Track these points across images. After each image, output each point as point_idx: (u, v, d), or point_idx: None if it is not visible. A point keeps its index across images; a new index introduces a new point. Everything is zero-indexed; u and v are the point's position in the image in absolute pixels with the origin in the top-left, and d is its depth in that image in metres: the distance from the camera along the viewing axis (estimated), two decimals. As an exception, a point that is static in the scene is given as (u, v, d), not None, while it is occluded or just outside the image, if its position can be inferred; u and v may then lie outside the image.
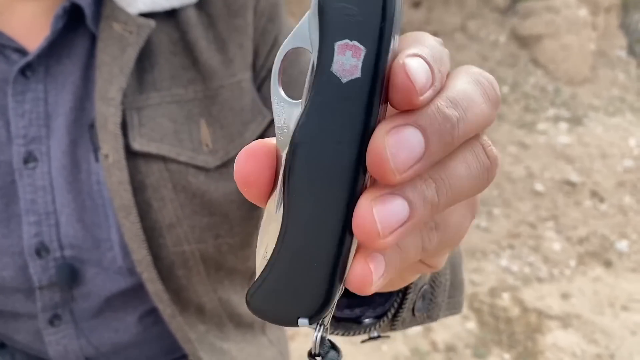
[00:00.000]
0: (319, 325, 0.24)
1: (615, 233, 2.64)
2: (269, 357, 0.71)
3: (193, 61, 0.58)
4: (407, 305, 0.36)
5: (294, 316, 0.23)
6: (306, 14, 0.22)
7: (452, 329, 2.00)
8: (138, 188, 0.55)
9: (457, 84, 0.22)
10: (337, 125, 0.21)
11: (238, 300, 0.68)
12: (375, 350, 1.88)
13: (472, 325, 2.03)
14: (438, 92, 0.21)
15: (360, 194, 0.21)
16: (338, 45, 0.20)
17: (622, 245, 2.56)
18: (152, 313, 0.63)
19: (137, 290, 0.61)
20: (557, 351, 1.95)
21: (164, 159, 0.56)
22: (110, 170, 0.54)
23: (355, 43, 0.20)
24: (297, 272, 0.22)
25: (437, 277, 0.39)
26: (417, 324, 0.38)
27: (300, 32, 0.22)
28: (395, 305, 0.36)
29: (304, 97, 0.22)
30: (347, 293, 0.38)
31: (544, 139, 3.37)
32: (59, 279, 0.58)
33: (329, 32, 0.21)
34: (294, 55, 0.63)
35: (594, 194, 2.90)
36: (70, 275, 0.58)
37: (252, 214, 0.64)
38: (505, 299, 2.18)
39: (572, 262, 2.44)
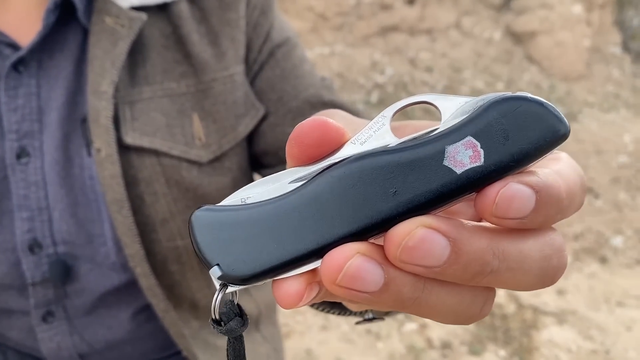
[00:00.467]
0: (221, 286, 0.22)
1: (610, 229, 2.65)
2: (263, 354, 0.71)
3: (185, 55, 0.57)
4: None
5: (215, 261, 0.22)
6: (473, 99, 0.22)
7: (447, 325, 2.00)
8: (131, 182, 0.55)
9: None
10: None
11: (232, 296, 0.68)
12: (370, 348, 1.88)
13: (467, 321, 2.04)
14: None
15: (367, 237, 0.21)
16: (468, 139, 0.21)
17: (617, 241, 2.57)
18: (146, 310, 0.63)
19: (130, 287, 0.60)
20: (553, 347, 1.95)
21: (156, 153, 0.56)
22: (103, 165, 0.53)
23: (480, 149, 0.21)
24: (263, 235, 0.22)
25: None
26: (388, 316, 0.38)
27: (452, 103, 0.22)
28: None
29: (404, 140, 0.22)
30: None
31: (539, 136, 3.38)
32: (52, 275, 0.57)
33: (473, 124, 0.21)
34: (287, 47, 0.63)
35: (589, 190, 2.91)
36: (64, 272, 0.58)
37: (245, 209, 0.64)
38: (500, 295, 2.18)
39: (568, 259, 2.44)
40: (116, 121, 0.54)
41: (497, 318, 2.07)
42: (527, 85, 3.97)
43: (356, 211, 0.21)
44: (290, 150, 0.23)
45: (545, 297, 2.19)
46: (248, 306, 0.71)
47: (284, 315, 1.98)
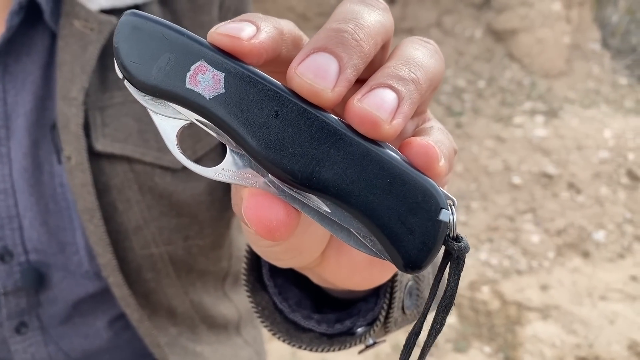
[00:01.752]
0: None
1: (593, 224, 2.68)
2: (245, 357, 0.70)
3: None
4: (396, 304, 0.35)
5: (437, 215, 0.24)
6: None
7: (433, 323, 2.02)
8: (102, 190, 0.54)
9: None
10: None
11: (211, 302, 0.67)
12: (356, 347, 1.88)
13: (452, 319, 2.04)
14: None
15: None
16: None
17: (599, 235, 2.60)
18: (123, 318, 0.62)
19: (105, 295, 0.60)
20: (537, 342, 1.97)
21: (128, 159, 0.55)
22: (73, 173, 0.52)
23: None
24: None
25: None
26: (409, 322, 0.38)
27: None
28: (385, 307, 0.35)
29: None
30: (334, 307, 0.38)
31: (521, 132, 3.41)
32: (25, 284, 0.56)
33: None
34: None
35: (571, 186, 2.94)
36: (37, 279, 0.56)
37: (222, 214, 0.63)
38: (485, 292, 2.20)
39: (551, 254, 2.47)
40: (86, 127, 0.53)
41: (482, 315, 2.08)
42: (508, 82, 4.00)
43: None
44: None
45: (529, 293, 2.21)
46: (228, 312, 0.70)
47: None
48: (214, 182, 0.60)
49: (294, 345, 0.35)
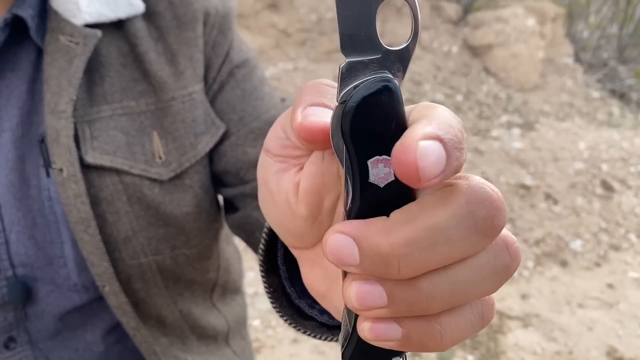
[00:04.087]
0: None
1: (570, 233, 2.73)
2: (233, 368, 0.71)
3: (143, 73, 0.57)
4: None
5: None
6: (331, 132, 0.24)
7: (416, 334, 2.03)
8: (92, 202, 0.55)
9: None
10: None
11: (200, 312, 0.68)
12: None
13: (436, 329, 2.06)
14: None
15: None
16: (371, 162, 0.23)
17: (577, 244, 2.65)
18: (114, 330, 0.62)
19: (94, 307, 0.60)
20: (519, 350, 2.00)
21: (117, 171, 0.56)
22: (65, 184, 0.53)
23: (385, 157, 0.23)
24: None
25: None
26: None
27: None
28: None
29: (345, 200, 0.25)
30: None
31: (498, 145, 3.47)
32: (12, 298, 0.56)
33: (359, 153, 0.23)
34: (246, 69, 0.64)
35: (548, 196, 3.00)
36: (24, 293, 0.56)
37: (209, 226, 0.64)
38: (467, 302, 2.22)
39: (530, 263, 2.51)
40: (76, 140, 0.54)
41: (464, 325, 2.11)
42: (485, 96, 4.07)
43: None
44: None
45: (510, 302, 2.24)
46: (217, 322, 0.71)
47: (255, 330, 1.97)
48: (200, 193, 0.61)
49: (299, 330, 0.36)
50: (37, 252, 0.56)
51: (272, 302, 0.37)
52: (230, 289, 0.74)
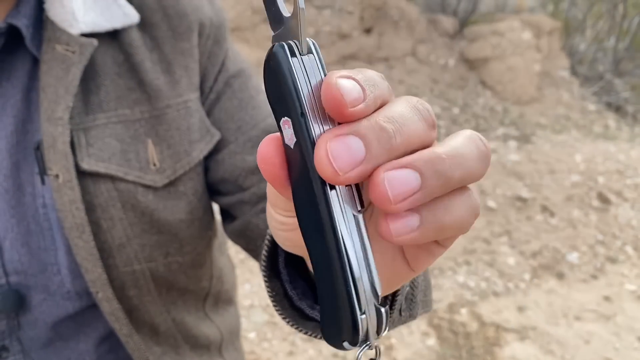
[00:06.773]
0: (361, 347, 0.26)
1: (566, 246, 2.73)
2: (226, 379, 0.71)
3: (139, 82, 0.58)
4: (397, 307, 0.37)
5: (340, 341, 0.25)
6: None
7: (413, 346, 2.02)
8: (87, 208, 0.55)
9: (394, 106, 0.25)
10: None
11: (193, 321, 0.67)
12: None
13: (432, 341, 2.05)
14: (376, 110, 0.24)
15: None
16: (282, 123, 0.25)
17: (573, 257, 2.65)
18: (107, 340, 0.62)
19: (87, 316, 0.60)
20: (515, 363, 1.99)
21: (112, 178, 0.56)
22: (61, 190, 0.53)
23: (286, 118, 0.25)
24: (326, 303, 0.25)
25: (415, 278, 0.40)
26: (402, 323, 0.40)
27: None
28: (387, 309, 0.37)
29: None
30: None
31: (495, 157, 3.48)
32: (5, 306, 0.56)
33: (275, 116, 0.25)
34: (242, 79, 0.65)
35: (545, 209, 3.00)
36: (17, 302, 0.56)
37: (202, 233, 0.64)
38: (463, 314, 2.22)
39: (527, 276, 2.50)
40: (72, 147, 0.54)
41: (461, 337, 2.10)
42: (482, 109, 4.10)
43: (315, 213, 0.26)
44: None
45: (506, 314, 2.24)
46: (210, 332, 0.71)
47: (250, 343, 1.96)
48: (194, 200, 0.62)
49: (300, 331, 0.38)
50: (30, 259, 0.56)
51: (274, 305, 0.38)
52: (223, 299, 0.74)
